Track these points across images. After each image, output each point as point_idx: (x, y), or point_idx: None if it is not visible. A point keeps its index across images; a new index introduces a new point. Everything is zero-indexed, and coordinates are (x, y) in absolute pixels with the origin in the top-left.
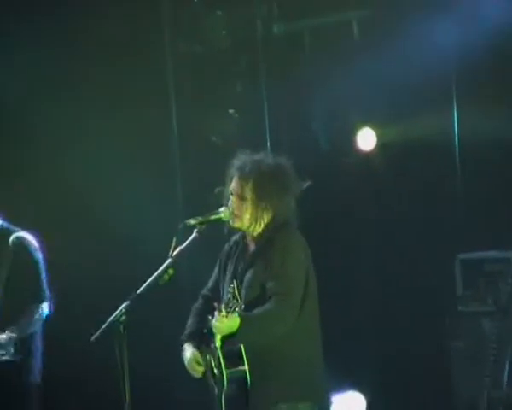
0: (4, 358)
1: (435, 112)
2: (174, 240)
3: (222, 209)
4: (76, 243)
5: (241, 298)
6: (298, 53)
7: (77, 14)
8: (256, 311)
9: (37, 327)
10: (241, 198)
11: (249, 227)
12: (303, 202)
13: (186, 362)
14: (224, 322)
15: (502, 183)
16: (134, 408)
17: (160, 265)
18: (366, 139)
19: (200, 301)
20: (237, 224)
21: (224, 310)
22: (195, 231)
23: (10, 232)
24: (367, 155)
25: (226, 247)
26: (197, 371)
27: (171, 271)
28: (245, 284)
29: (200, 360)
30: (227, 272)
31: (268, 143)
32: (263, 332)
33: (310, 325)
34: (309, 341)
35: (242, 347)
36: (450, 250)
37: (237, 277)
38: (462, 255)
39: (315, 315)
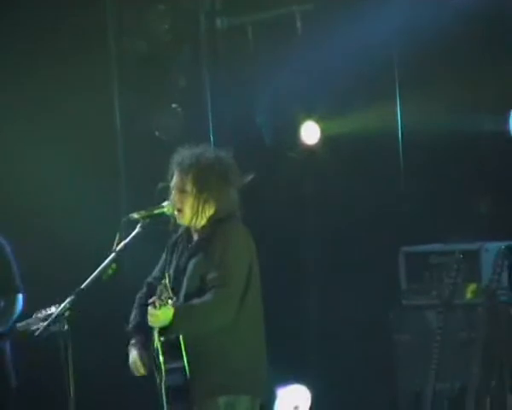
0: None
1: (379, 104)
2: (117, 235)
3: (165, 203)
4: (18, 243)
5: (172, 290)
6: (241, 47)
7: (18, 9)
8: (193, 302)
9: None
10: (182, 191)
11: (192, 220)
12: (247, 195)
13: (130, 361)
14: (157, 314)
15: (446, 175)
16: (78, 404)
17: (104, 260)
18: (310, 133)
19: (143, 289)
20: (180, 218)
21: (157, 302)
22: (139, 225)
23: None
24: (311, 149)
25: (173, 237)
26: (140, 372)
27: (114, 265)
28: (186, 274)
29: (145, 359)
30: (172, 262)
31: (211, 138)
32: (198, 323)
33: (252, 317)
34: (251, 333)
35: (181, 338)
36: (395, 243)
37: (179, 266)
38: (405, 248)
39: (257, 308)
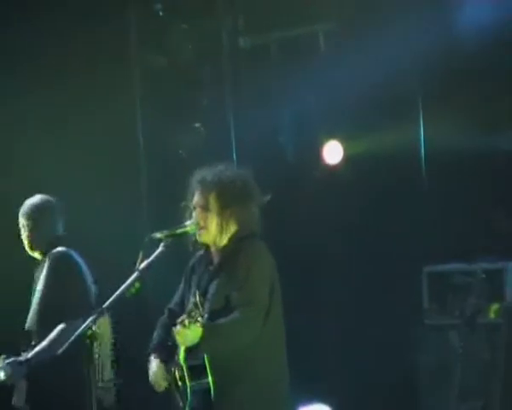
0: None
1: (401, 125)
2: (140, 254)
3: (188, 223)
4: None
5: (203, 308)
6: (264, 66)
7: (46, 22)
8: (220, 321)
9: None
10: (205, 209)
11: (215, 239)
12: (269, 214)
13: (150, 375)
14: (186, 333)
15: (469, 196)
16: None
17: (127, 279)
18: (332, 152)
19: (165, 314)
20: (204, 237)
21: (186, 320)
22: (162, 244)
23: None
24: (333, 168)
25: (191, 261)
26: (161, 385)
27: (137, 284)
28: (209, 295)
29: (165, 374)
30: (192, 286)
31: (234, 157)
32: (226, 342)
33: (275, 334)
34: (274, 350)
35: (206, 359)
36: (417, 263)
37: (201, 288)
38: (428, 268)
39: (280, 325)
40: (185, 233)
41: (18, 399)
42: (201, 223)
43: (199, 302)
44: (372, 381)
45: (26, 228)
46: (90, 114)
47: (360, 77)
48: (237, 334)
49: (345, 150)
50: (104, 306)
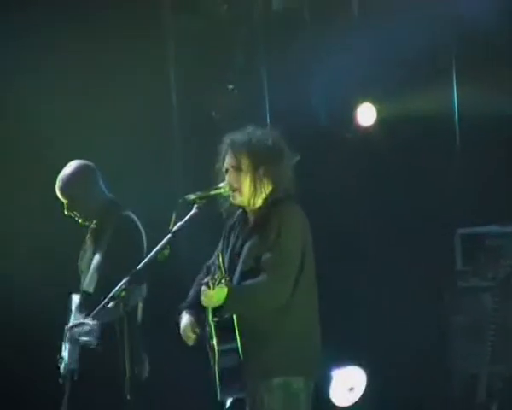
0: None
1: (435, 86)
2: (174, 215)
3: (222, 184)
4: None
5: (225, 270)
6: (297, 28)
7: None
8: (247, 282)
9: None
10: (238, 170)
11: (250, 200)
12: (300, 176)
13: (181, 329)
14: (211, 294)
15: (502, 156)
16: (132, 385)
17: (160, 240)
18: (366, 114)
19: (203, 271)
20: (238, 198)
21: (210, 282)
22: (195, 206)
23: (118, 209)
24: (367, 130)
25: (230, 221)
26: (190, 338)
27: (170, 246)
28: (242, 256)
29: (196, 328)
30: (229, 245)
31: (268, 119)
32: (251, 304)
33: (306, 299)
34: (304, 315)
35: (235, 319)
36: (450, 225)
37: (235, 249)
38: (461, 230)
39: (312, 289)
40: (219, 195)
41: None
42: (235, 185)
43: (221, 264)
44: (405, 343)
45: (74, 201)
46: (123, 75)
47: (394, 39)
48: (262, 297)
49: (378, 113)
50: (138, 268)
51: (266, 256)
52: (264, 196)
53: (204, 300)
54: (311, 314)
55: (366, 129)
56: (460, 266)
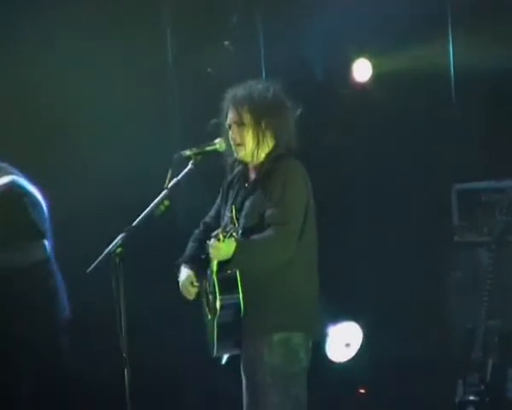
0: None
1: (430, 40)
2: (169, 171)
3: (217, 140)
4: (68, 177)
5: (238, 223)
6: None
7: None
8: (254, 237)
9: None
10: (240, 124)
11: (253, 154)
12: (297, 133)
13: (180, 283)
14: (220, 247)
15: (498, 113)
16: (130, 341)
17: (156, 197)
18: (362, 70)
19: (200, 227)
20: (241, 153)
21: (221, 234)
22: (191, 162)
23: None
24: (363, 86)
25: (229, 176)
26: (190, 292)
27: (166, 202)
28: (244, 211)
29: (195, 282)
30: (228, 201)
31: (263, 75)
32: (259, 259)
33: (308, 256)
34: (306, 272)
35: (238, 274)
36: (447, 181)
37: (237, 204)
38: (458, 186)
39: (313, 246)
40: (214, 151)
41: None
42: (238, 139)
43: (235, 217)
44: (401, 299)
45: None
46: (118, 31)
47: None
48: (270, 252)
49: (374, 68)
50: (133, 224)
51: (271, 212)
52: (267, 150)
53: (212, 252)
54: (312, 271)
55: (362, 85)
56: (456, 222)
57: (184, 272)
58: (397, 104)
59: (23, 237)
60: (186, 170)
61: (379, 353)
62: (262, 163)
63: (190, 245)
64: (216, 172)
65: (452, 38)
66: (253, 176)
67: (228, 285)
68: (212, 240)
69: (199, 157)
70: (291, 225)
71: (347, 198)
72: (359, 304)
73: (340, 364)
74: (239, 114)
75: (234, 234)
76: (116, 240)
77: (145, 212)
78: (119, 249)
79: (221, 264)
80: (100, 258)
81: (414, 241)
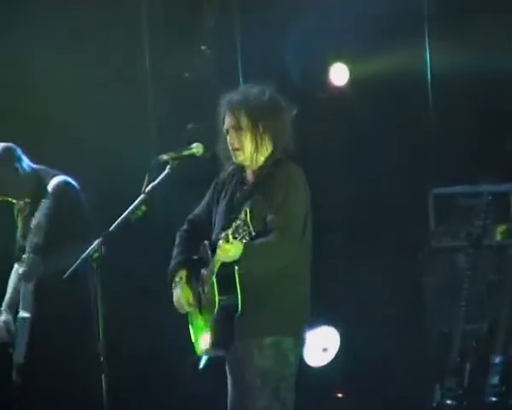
0: None
1: (408, 46)
2: (147, 176)
3: (194, 145)
4: None
5: (253, 227)
6: None
7: None
8: (258, 242)
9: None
10: (238, 128)
11: (252, 158)
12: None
13: (175, 298)
14: (229, 248)
15: (475, 117)
16: (107, 346)
17: (133, 201)
18: (339, 74)
19: (185, 226)
20: (240, 157)
21: (231, 236)
22: (168, 167)
23: (49, 176)
24: (339, 90)
25: (221, 176)
26: (184, 310)
27: (144, 207)
28: (241, 215)
29: (191, 300)
30: (220, 201)
31: (240, 79)
32: (264, 263)
33: (304, 260)
34: (301, 277)
35: (237, 276)
36: (424, 185)
37: (234, 207)
38: (435, 190)
39: (308, 252)
40: (191, 155)
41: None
42: (236, 144)
43: (249, 221)
44: (379, 303)
45: (6, 184)
46: (96, 35)
47: None
48: (275, 256)
49: (351, 72)
50: (110, 229)
51: (273, 217)
52: (266, 153)
53: (219, 253)
54: (307, 277)
55: (339, 89)
56: (433, 226)
57: (179, 288)
58: (374, 108)
59: (80, 237)
60: (163, 175)
61: (356, 357)
62: (261, 167)
63: (179, 248)
64: (194, 176)
65: (429, 41)
66: (250, 179)
67: (227, 286)
68: (221, 241)
69: (176, 162)
70: (294, 231)
71: (322, 202)
72: (336, 309)
73: (317, 368)
74: (236, 119)
75: (247, 238)
76: (93, 245)
77: (122, 217)
78: (96, 254)
79: (223, 264)
80: (77, 263)
81: (391, 246)
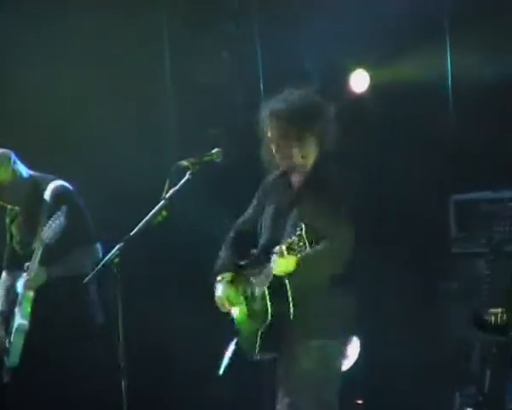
0: None
1: (428, 52)
2: (167, 182)
3: (214, 151)
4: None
5: (310, 243)
6: None
7: None
8: (311, 252)
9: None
10: (286, 138)
11: (299, 165)
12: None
13: (216, 297)
14: (282, 262)
15: (496, 122)
16: (128, 349)
17: (154, 206)
18: (359, 81)
19: (232, 233)
20: (288, 165)
21: (285, 251)
22: (188, 172)
23: (46, 182)
24: (360, 97)
25: (266, 182)
26: (224, 307)
27: (164, 212)
28: (290, 220)
29: (233, 299)
30: (266, 207)
31: (261, 85)
32: (317, 274)
33: (352, 265)
34: (350, 281)
35: (288, 285)
36: (445, 191)
37: (281, 212)
38: (456, 196)
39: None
40: (212, 161)
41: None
42: (284, 153)
43: (305, 236)
44: (399, 309)
45: (4, 189)
46: (117, 44)
47: (387, 4)
48: (327, 265)
49: (371, 79)
50: (131, 234)
51: (324, 224)
52: (312, 158)
53: (273, 267)
54: (353, 282)
55: (359, 95)
56: (454, 233)
57: (221, 287)
58: (394, 115)
59: (83, 241)
60: (184, 180)
61: (375, 364)
62: (308, 172)
63: (225, 253)
64: (213, 181)
65: (450, 47)
66: (297, 183)
67: (279, 296)
68: (275, 256)
69: (197, 167)
70: (345, 237)
71: None
72: (356, 316)
73: None
74: (284, 129)
75: (302, 253)
76: (114, 250)
77: (143, 222)
78: (116, 259)
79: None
80: (97, 268)
81: (412, 252)
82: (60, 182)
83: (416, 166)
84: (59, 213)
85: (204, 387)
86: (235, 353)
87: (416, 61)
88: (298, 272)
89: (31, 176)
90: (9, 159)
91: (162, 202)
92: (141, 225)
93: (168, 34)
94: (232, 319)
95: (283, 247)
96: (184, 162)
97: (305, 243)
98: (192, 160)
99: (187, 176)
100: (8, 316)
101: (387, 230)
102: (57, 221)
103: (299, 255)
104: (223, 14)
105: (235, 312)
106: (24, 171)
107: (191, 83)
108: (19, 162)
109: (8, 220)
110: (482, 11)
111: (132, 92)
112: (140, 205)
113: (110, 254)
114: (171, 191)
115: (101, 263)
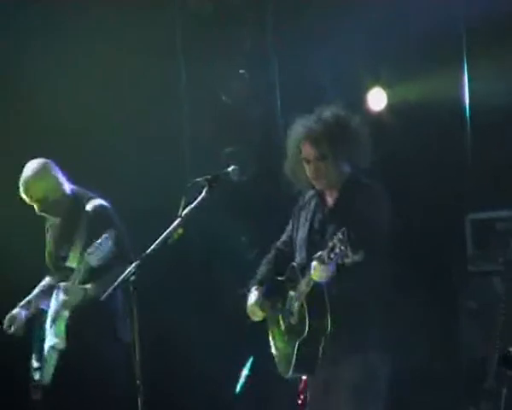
0: None
1: (445, 71)
2: (183, 199)
3: (230, 168)
4: None
5: (351, 250)
6: (306, 9)
7: None
8: (350, 261)
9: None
10: (321, 158)
11: (334, 183)
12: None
13: (249, 305)
14: (322, 268)
15: None
16: (144, 367)
17: (169, 224)
18: (376, 99)
19: (272, 252)
20: (321, 185)
21: (326, 257)
22: (204, 190)
23: (86, 198)
24: (377, 115)
25: (300, 201)
26: (257, 316)
27: (180, 230)
28: (327, 236)
29: (265, 307)
30: (300, 226)
31: (278, 102)
32: (356, 281)
33: (389, 276)
34: (387, 293)
35: (326, 294)
36: (461, 210)
37: (315, 230)
38: (472, 215)
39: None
40: (228, 178)
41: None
42: (318, 173)
43: (347, 241)
44: (415, 328)
45: (47, 200)
46: (132, 58)
47: (404, 22)
48: (365, 276)
49: (388, 97)
50: (147, 252)
51: (361, 237)
52: (345, 176)
53: (313, 273)
54: (390, 294)
55: (377, 113)
56: (470, 251)
57: (254, 296)
58: (411, 133)
59: (121, 262)
60: (200, 198)
61: (391, 381)
62: (341, 189)
63: (262, 269)
64: (229, 199)
65: (467, 66)
66: (330, 200)
67: (317, 308)
68: (315, 262)
69: (213, 185)
70: (381, 250)
71: None
72: (369, 332)
73: None
74: (319, 149)
75: (344, 259)
76: (129, 268)
77: (159, 240)
78: (132, 277)
79: (314, 286)
80: (114, 285)
81: (428, 270)
82: (101, 201)
83: (432, 184)
84: (106, 235)
85: (219, 402)
86: (251, 371)
87: (434, 79)
88: (337, 279)
89: (72, 190)
90: (54, 170)
91: (178, 220)
92: (157, 242)
93: (184, 51)
94: (265, 332)
95: (324, 252)
96: (200, 180)
97: (346, 248)
98: (208, 177)
99: (203, 194)
100: (35, 311)
101: (404, 249)
102: (105, 245)
103: (339, 261)
104: (240, 31)
105: (272, 331)
106: (66, 184)
107: (207, 100)
108: (61, 174)
109: (48, 228)
110: (500, 31)
111: (148, 110)
112: (156, 223)
113: (126, 272)
114: (187, 209)
115: (118, 281)
